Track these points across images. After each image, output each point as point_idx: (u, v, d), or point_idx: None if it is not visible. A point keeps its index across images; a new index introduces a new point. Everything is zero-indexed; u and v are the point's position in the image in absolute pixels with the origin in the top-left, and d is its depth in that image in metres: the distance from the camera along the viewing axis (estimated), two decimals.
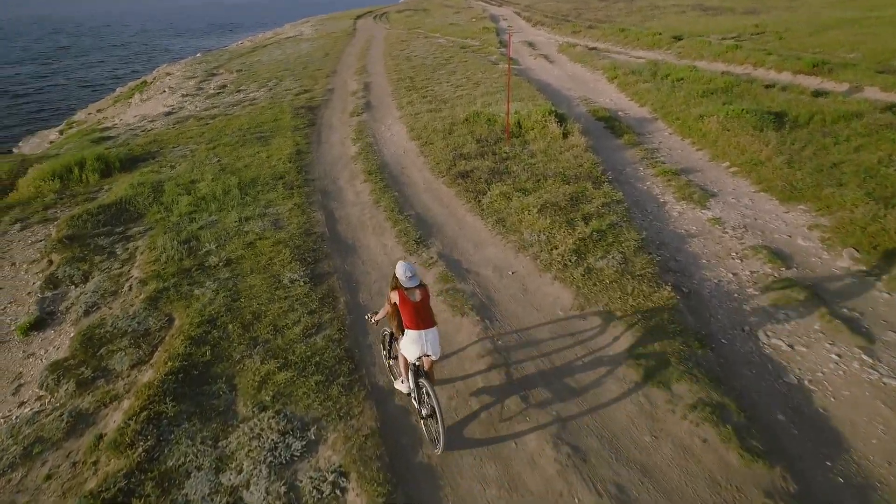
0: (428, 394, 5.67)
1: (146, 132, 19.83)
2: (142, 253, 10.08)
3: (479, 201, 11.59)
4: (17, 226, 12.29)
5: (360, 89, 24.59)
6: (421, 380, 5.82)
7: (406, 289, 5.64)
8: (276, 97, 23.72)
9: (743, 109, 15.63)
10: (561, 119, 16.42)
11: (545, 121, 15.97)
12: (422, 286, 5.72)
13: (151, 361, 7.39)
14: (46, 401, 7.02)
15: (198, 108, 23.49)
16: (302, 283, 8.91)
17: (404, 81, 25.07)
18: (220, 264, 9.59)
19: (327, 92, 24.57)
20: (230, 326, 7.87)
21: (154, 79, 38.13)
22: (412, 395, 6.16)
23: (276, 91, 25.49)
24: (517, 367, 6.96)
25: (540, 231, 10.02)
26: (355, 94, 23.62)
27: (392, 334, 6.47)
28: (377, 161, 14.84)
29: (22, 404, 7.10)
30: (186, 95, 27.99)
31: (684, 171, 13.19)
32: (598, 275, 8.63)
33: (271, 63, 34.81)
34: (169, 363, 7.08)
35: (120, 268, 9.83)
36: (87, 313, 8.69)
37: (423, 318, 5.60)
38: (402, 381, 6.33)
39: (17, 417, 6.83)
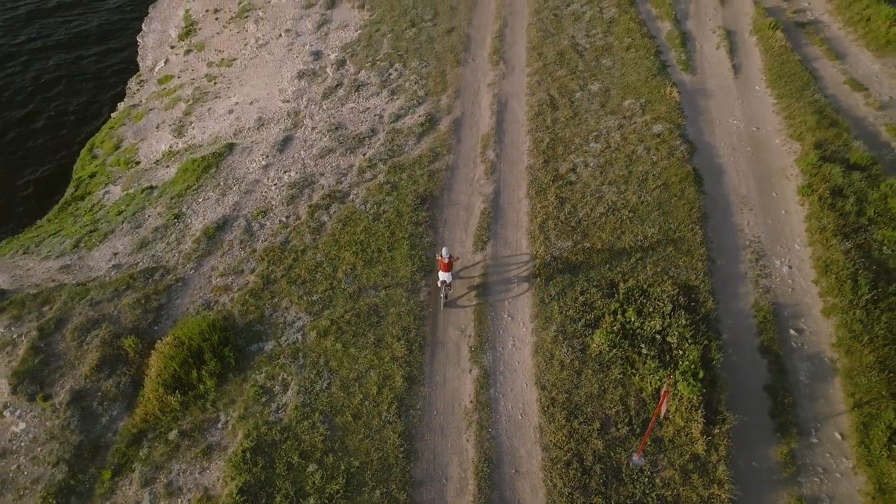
0: (445, 291, 15.52)
1: (262, 232, 18.37)
2: None
3: None
4: None
5: (491, 140, 21.10)
6: (445, 284, 15.34)
7: (443, 258, 14.79)
8: (396, 153, 20.69)
9: None
10: (710, 405, 13.22)
11: (689, 413, 13.20)
12: (450, 257, 14.74)
13: None
14: None
15: (314, 139, 21.39)
16: None
17: (544, 137, 20.63)
18: None
19: (453, 135, 21.41)
20: None
21: None
22: (441, 288, 15.59)
23: (397, 101, 22.47)
24: None
25: None
26: (484, 156, 20.52)
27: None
28: None
29: None
30: (304, 75, 25.08)
31: None
32: None
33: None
34: None
35: None
36: None
37: (445, 269, 14.91)
38: (439, 283, 15.53)
39: None
